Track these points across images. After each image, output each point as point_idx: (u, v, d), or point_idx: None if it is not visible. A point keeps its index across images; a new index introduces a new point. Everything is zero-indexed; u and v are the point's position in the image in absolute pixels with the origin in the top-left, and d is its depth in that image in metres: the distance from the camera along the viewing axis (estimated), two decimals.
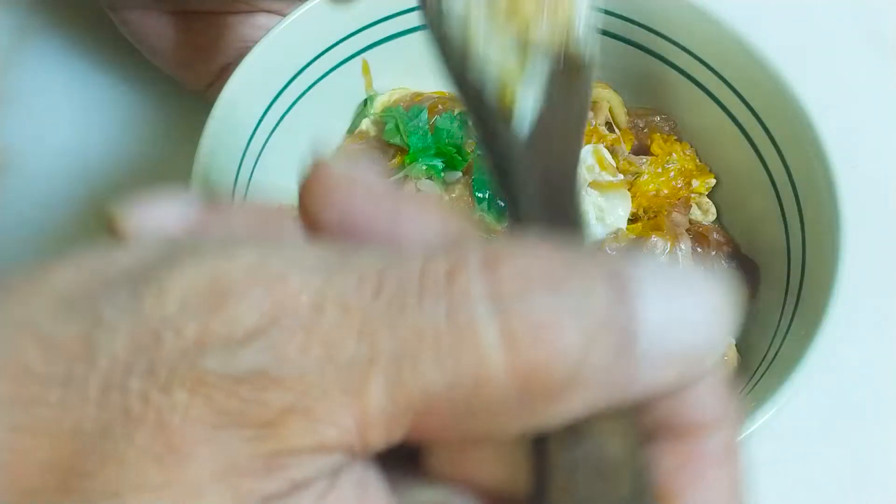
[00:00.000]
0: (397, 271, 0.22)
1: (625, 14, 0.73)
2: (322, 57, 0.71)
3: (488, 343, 0.21)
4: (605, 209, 0.68)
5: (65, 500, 0.20)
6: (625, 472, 0.22)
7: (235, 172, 0.66)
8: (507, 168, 0.30)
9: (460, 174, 0.71)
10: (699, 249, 0.71)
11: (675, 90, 0.74)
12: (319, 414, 0.21)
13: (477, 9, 0.31)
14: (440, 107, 0.75)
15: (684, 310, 0.22)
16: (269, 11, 0.76)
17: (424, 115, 0.74)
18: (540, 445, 0.23)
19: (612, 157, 0.71)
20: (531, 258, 0.22)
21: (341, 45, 0.72)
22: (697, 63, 0.72)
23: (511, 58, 0.31)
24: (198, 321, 0.21)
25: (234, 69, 0.66)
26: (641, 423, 0.24)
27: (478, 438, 0.23)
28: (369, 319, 0.21)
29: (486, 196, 0.69)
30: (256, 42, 0.67)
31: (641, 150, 0.75)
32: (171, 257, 0.22)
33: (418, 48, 0.76)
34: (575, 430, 0.22)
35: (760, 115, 0.69)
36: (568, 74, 0.31)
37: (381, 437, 0.22)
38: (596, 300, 0.22)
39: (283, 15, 0.70)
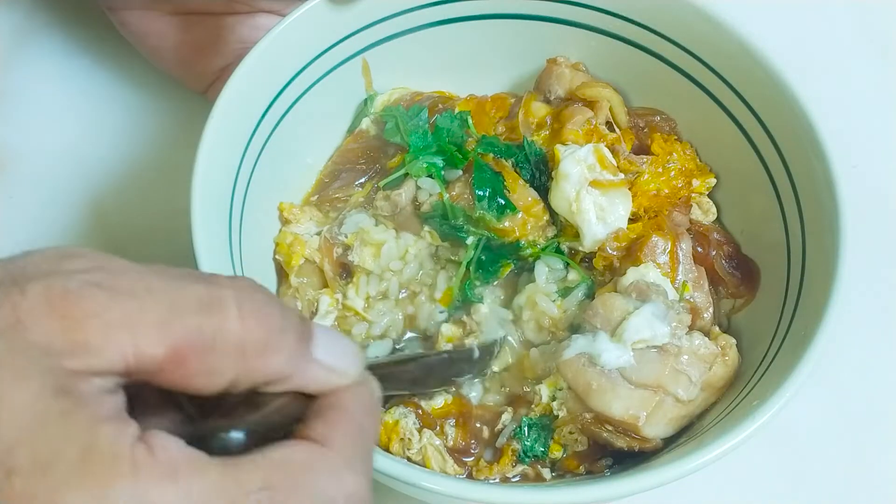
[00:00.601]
0: (200, 274, 0.40)
1: (625, 14, 0.73)
2: (322, 57, 0.72)
3: (233, 312, 0.38)
4: (605, 208, 0.68)
5: None
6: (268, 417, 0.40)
7: (235, 172, 0.66)
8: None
9: (461, 172, 0.71)
10: (699, 249, 0.71)
11: (675, 90, 0.74)
12: (112, 323, 0.36)
13: None
14: (440, 106, 0.76)
15: (334, 345, 0.42)
16: (268, 12, 0.76)
17: (424, 114, 0.74)
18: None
19: (613, 157, 0.71)
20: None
21: (341, 45, 0.72)
22: (697, 63, 0.72)
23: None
24: (51, 263, 0.38)
25: (233, 70, 0.66)
26: (304, 405, 0.42)
27: (211, 377, 0.38)
28: (157, 285, 0.38)
29: (486, 194, 0.69)
30: (256, 43, 0.67)
31: (642, 149, 0.75)
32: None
33: (418, 48, 0.77)
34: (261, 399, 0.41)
35: (760, 115, 0.69)
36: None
37: (152, 347, 0.37)
38: (292, 317, 0.41)
39: (283, 15, 0.70)
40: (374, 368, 0.53)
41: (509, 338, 0.69)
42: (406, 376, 0.61)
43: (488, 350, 0.67)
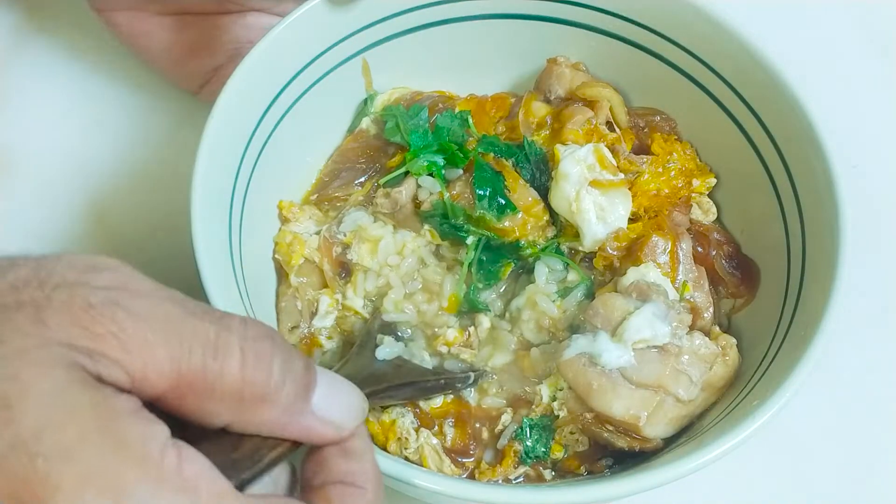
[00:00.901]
0: (213, 312, 0.41)
1: (625, 14, 0.73)
2: (322, 57, 0.72)
3: (236, 359, 0.39)
4: (605, 208, 0.68)
5: None
6: (258, 468, 0.41)
7: (235, 172, 0.66)
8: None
9: (461, 171, 0.71)
10: (699, 249, 0.71)
11: (675, 90, 0.74)
12: (127, 344, 0.37)
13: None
14: (440, 105, 0.76)
15: (336, 396, 0.43)
16: (259, 10, 0.76)
17: (425, 114, 0.74)
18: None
19: (613, 157, 0.71)
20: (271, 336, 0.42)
21: (341, 45, 0.72)
22: (697, 63, 0.72)
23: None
24: (78, 274, 0.39)
25: (226, 70, 0.66)
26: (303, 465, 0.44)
27: (206, 417, 0.40)
28: (172, 314, 0.39)
29: (487, 193, 0.69)
30: (248, 42, 0.67)
31: (642, 149, 0.75)
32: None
33: (418, 48, 0.77)
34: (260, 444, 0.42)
35: (760, 115, 0.69)
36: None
37: (157, 377, 0.38)
38: (296, 365, 0.42)
39: (275, 13, 0.70)
40: (374, 394, 0.58)
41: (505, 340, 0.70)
42: (401, 397, 0.65)
43: (481, 374, 0.68)
